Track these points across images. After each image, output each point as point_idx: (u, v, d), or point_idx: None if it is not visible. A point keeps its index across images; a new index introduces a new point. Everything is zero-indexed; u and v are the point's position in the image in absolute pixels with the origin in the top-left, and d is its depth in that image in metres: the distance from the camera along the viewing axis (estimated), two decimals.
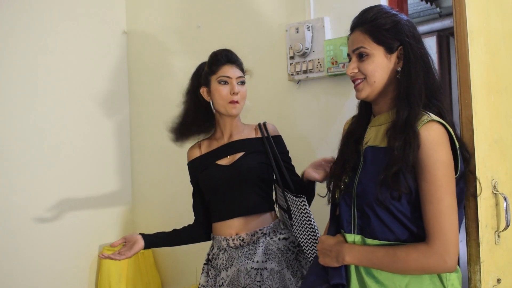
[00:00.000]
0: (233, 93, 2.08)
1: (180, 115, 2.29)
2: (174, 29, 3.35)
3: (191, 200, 2.27)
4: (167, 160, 3.38)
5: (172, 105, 3.36)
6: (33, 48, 3.05)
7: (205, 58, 2.45)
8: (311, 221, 2.00)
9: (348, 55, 1.65)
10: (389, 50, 1.56)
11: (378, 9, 1.59)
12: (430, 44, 4.57)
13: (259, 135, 2.18)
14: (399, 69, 1.56)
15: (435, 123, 1.47)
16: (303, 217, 2.00)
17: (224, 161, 2.15)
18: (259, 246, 2.08)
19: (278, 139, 2.20)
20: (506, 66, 1.98)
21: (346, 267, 1.56)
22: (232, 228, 2.12)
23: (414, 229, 1.47)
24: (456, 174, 1.48)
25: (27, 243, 2.95)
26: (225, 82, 2.10)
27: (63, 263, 3.12)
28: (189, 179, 2.26)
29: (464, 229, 1.82)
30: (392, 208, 1.47)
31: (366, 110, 1.71)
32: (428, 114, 1.49)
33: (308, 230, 1.99)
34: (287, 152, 2.20)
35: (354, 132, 1.69)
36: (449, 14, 4.53)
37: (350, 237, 1.56)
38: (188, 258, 3.24)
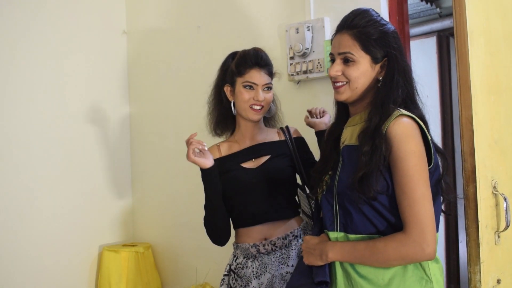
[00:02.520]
0: (257, 100, 2.03)
1: (208, 111, 2.21)
2: (174, 30, 3.35)
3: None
4: (168, 160, 3.37)
5: (173, 106, 3.37)
6: (31, 48, 3.04)
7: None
8: None
9: (331, 54, 1.67)
10: (375, 60, 1.60)
11: (370, 16, 1.63)
12: (430, 45, 4.56)
13: (283, 138, 2.15)
14: (381, 78, 1.61)
15: (404, 117, 1.51)
16: None
17: (249, 164, 2.08)
18: (292, 249, 2.02)
19: (301, 141, 2.17)
20: (506, 67, 1.99)
21: (331, 265, 1.61)
22: (261, 234, 2.04)
23: (395, 221, 1.50)
24: (430, 165, 1.51)
25: (27, 243, 2.95)
26: (250, 87, 2.04)
27: (63, 263, 3.11)
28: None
29: (464, 229, 1.82)
30: (374, 203, 1.51)
31: (343, 110, 1.75)
32: (398, 109, 1.54)
33: None
34: (311, 152, 2.18)
35: (333, 132, 1.73)
36: (449, 15, 4.52)
37: (333, 234, 1.60)
38: (188, 258, 3.24)
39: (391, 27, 1.64)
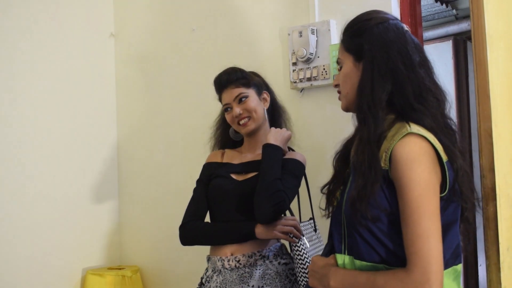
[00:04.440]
0: (236, 116, 2.22)
1: (215, 130, 2.46)
2: (166, 32, 3.36)
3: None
4: (158, 177, 3.37)
5: (164, 116, 3.38)
6: (14, 52, 3.05)
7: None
8: (303, 260, 2.08)
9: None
10: (358, 58, 1.58)
11: (359, 15, 1.64)
12: (446, 49, 4.58)
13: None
14: None
15: (414, 136, 1.46)
16: (297, 258, 2.09)
17: (237, 176, 2.24)
18: (257, 269, 2.11)
19: (288, 161, 2.21)
20: None
21: None
22: (229, 248, 2.15)
23: (393, 247, 1.48)
24: (444, 191, 1.47)
25: (5, 266, 2.94)
26: (228, 109, 2.25)
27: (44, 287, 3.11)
28: (197, 178, 2.32)
29: (483, 252, 1.82)
30: (373, 228, 1.48)
31: None
32: (408, 125, 1.48)
33: (301, 267, 2.06)
34: (289, 171, 2.19)
35: (345, 146, 1.72)
36: (467, 17, 4.54)
37: (340, 257, 1.59)
38: (180, 283, 3.23)
39: (384, 19, 1.60)
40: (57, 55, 3.26)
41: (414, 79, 1.54)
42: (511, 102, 1.88)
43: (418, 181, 1.42)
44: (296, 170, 2.21)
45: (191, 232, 2.20)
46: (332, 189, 1.69)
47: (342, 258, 1.58)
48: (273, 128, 2.23)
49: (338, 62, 1.66)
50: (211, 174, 2.27)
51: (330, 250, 1.69)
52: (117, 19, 3.60)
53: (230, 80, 2.24)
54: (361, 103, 1.53)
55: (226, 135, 2.39)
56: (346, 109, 1.66)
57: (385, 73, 1.53)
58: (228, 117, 2.26)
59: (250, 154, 2.30)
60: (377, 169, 1.45)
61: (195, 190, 2.30)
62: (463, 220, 1.57)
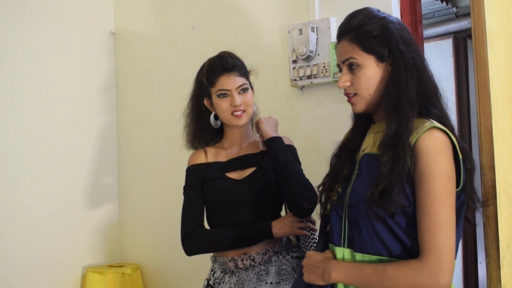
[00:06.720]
0: (235, 106, 2.09)
1: (185, 124, 2.30)
2: (166, 30, 3.36)
3: None
4: (159, 172, 3.37)
5: (164, 113, 3.38)
6: (15, 49, 3.05)
7: (199, 61, 2.48)
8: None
9: (338, 65, 1.68)
10: (380, 58, 1.59)
11: (365, 14, 1.63)
12: (446, 47, 4.57)
13: None
14: None
15: (437, 130, 1.50)
16: (310, 243, 2.10)
17: (234, 175, 2.15)
18: (272, 266, 2.08)
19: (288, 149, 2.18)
20: None
21: (333, 285, 1.59)
22: (241, 248, 2.10)
23: (410, 244, 1.49)
24: (458, 187, 1.50)
25: (5, 263, 2.94)
26: (225, 95, 2.11)
27: (43, 286, 3.10)
28: (184, 185, 2.20)
29: (483, 250, 1.82)
30: (390, 222, 1.50)
31: (362, 119, 1.74)
32: (430, 121, 1.53)
33: None
34: (299, 162, 2.20)
35: (349, 143, 1.73)
36: (467, 15, 4.54)
37: (339, 250, 1.60)
38: (180, 281, 3.24)
39: (393, 19, 1.63)
40: (57, 53, 3.27)
41: (431, 76, 1.60)
42: (511, 100, 1.88)
43: (442, 173, 1.45)
44: (297, 156, 2.20)
45: (198, 241, 2.09)
46: (331, 185, 1.70)
47: (342, 251, 1.59)
48: (262, 118, 2.17)
49: (350, 63, 1.61)
50: (203, 176, 2.16)
51: (324, 245, 1.69)
52: (117, 17, 3.61)
53: (236, 65, 2.12)
54: (396, 103, 1.54)
55: (207, 129, 2.24)
56: (364, 110, 1.65)
57: (411, 71, 1.55)
58: (222, 103, 2.10)
59: (235, 148, 2.21)
60: (405, 165, 1.47)
61: (187, 196, 2.18)
62: (464, 217, 1.58)
